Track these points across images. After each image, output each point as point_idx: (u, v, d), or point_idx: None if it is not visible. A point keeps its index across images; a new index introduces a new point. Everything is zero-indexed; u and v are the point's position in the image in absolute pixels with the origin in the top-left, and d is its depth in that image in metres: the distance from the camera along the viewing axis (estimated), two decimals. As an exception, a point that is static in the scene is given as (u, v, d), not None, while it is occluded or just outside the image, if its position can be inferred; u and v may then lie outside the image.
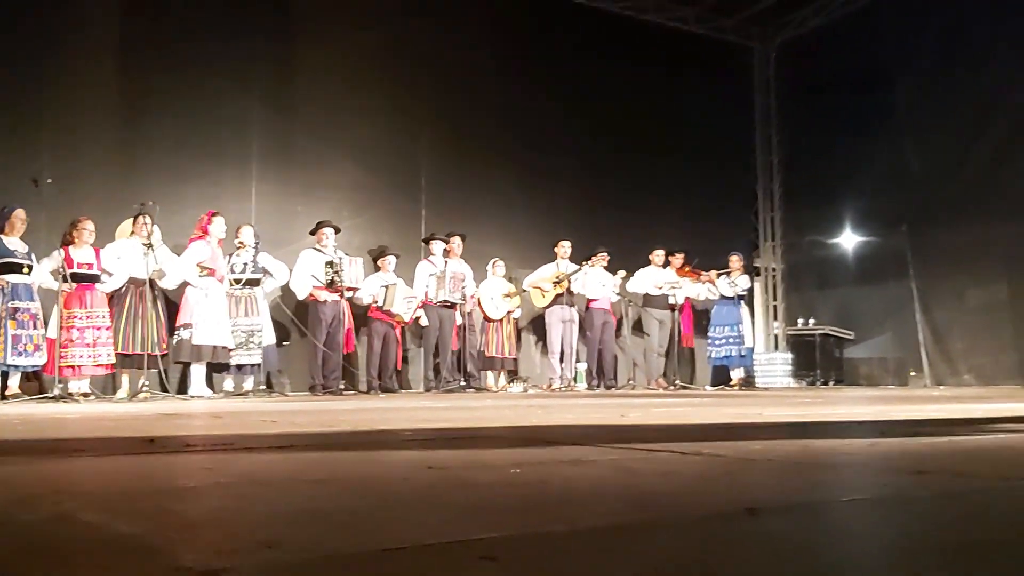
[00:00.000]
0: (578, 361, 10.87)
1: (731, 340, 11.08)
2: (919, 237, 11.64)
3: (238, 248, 8.59)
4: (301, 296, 9.09)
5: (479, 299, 10.25)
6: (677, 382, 10.89)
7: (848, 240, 12.81)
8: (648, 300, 11.15)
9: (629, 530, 1.30)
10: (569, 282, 10.46)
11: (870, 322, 12.47)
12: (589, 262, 10.53)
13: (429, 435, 3.28)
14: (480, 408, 5.58)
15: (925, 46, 11.34)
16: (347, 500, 1.63)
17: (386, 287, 9.48)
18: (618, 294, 10.78)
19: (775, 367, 12.00)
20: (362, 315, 9.63)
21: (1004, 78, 10.47)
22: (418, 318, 9.73)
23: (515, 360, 10.68)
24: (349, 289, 9.08)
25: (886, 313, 12.28)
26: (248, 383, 8.59)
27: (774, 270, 13.44)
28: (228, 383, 8.65)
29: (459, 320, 9.90)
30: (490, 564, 1.08)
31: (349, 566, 1.09)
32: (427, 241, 10.17)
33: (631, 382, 11.11)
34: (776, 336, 13.08)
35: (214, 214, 8.49)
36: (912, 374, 11.76)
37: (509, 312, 10.47)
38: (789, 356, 12.06)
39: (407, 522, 1.38)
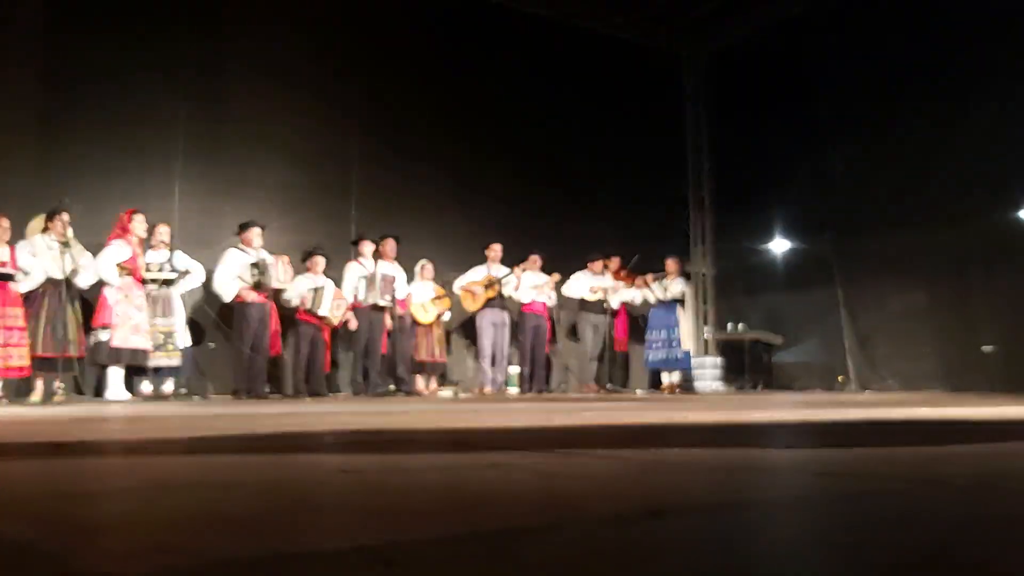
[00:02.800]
0: (511, 365, 10.89)
1: (665, 343, 11.23)
2: (844, 245, 11.90)
3: (155, 246, 8.37)
4: (228, 298, 8.89)
5: (409, 302, 10.19)
6: (609, 386, 10.99)
7: (777, 246, 13.05)
8: (584, 304, 11.22)
9: (532, 533, 1.31)
10: (500, 286, 10.47)
11: (798, 327, 12.72)
12: (521, 267, 10.57)
13: (349, 439, 3.26)
14: (407, 412, 5.55)
15: (850, 56, 11.61)
16: (255, 504, 1.61)
17: (315, 289, 9.37)
18: (551, 297, 10.82)
19: (705, 371, 12.15)
20: (289, 317, 9.50)
21: (925, 88, 10.74)
22: (347, 321, 9.63)
23: (445, 364, 10.64)
24: (275, 291, 8.95)
25: (813, 319, 12.53)
26: (168, 385, 8.39)
27: (704, 275, 13.64)
28: (146, 386, 8.39)
29: (389, 323, 9.83)
30: (386, 569, 1.08)
31: (242, 572, 1.07)
32: (357, 242, 10.08)
33: (563, 386, 11.16)
34: (706, 340, 13.27)
35: (134, 212, 8.27)
36: (840, 379, 12.02)
37: (439, 315, 10.43)
38: (719, 360, 12.24)
39: (312, 527, 1.37)
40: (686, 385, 11.48)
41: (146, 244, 8.34)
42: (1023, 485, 1.83)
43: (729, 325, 12.58)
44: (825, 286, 12.05)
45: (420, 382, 10.30)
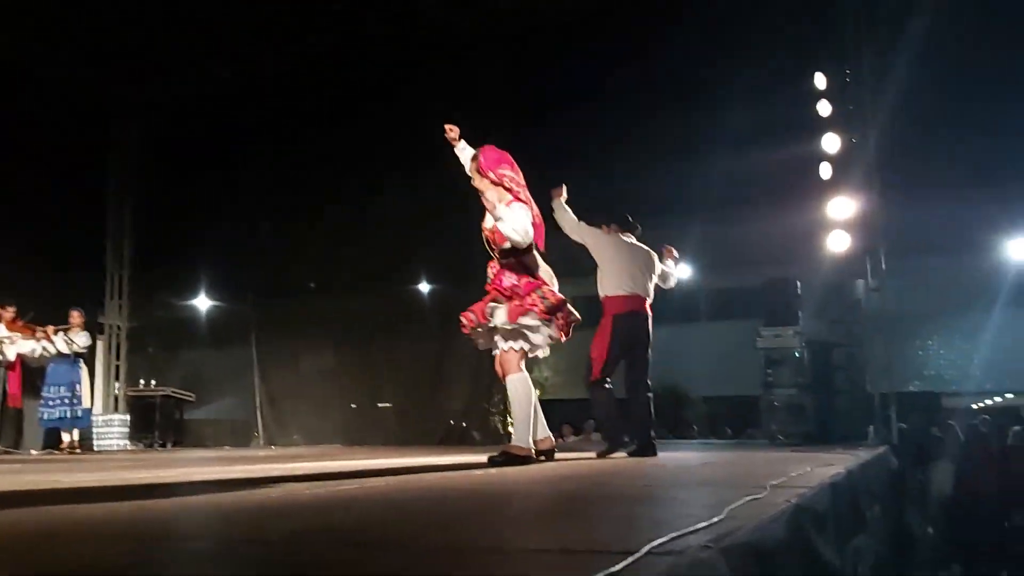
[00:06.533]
0: None
1: (65, 400, 10.46)
2: (263, 306, 12.32)
3: None
4: None
5: None
6: (-2, 447, 9.91)
7: (199, 304, 13.01)
8: (-27, 355, 10.01)
9: None
10: None
11: (215, 385, 12.78)
12: None
13: None
14: None
15: (291, 134, 11.96)
16: None
17: None
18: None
19: (112, 429, 11.59)
20: None
21: (343, 170, 11.55)
22: None
23: None
24: None
25: (230, 377, 12.69)
26: None
27: (119, 328, 13.03)
28: None
29: None
30: None
31: None
32: None
33: (-61, 448, 9.77)
34: (116, 397, 12.64)
35: None
36: (256, 435, 12.27)
37: None
38: (127, 418, 11.74)
39: None
40: (87, 444, 10.79)
41: None
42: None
43: (141, 381, 12.17)
44: (243, 346, 12.32)
45: None
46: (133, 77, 12.39)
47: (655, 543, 1.67)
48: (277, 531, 2.23)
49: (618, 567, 1.44)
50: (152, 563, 1.70)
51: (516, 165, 5.22)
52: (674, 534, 1.79)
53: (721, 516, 2.14)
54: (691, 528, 1.89)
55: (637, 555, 1.56)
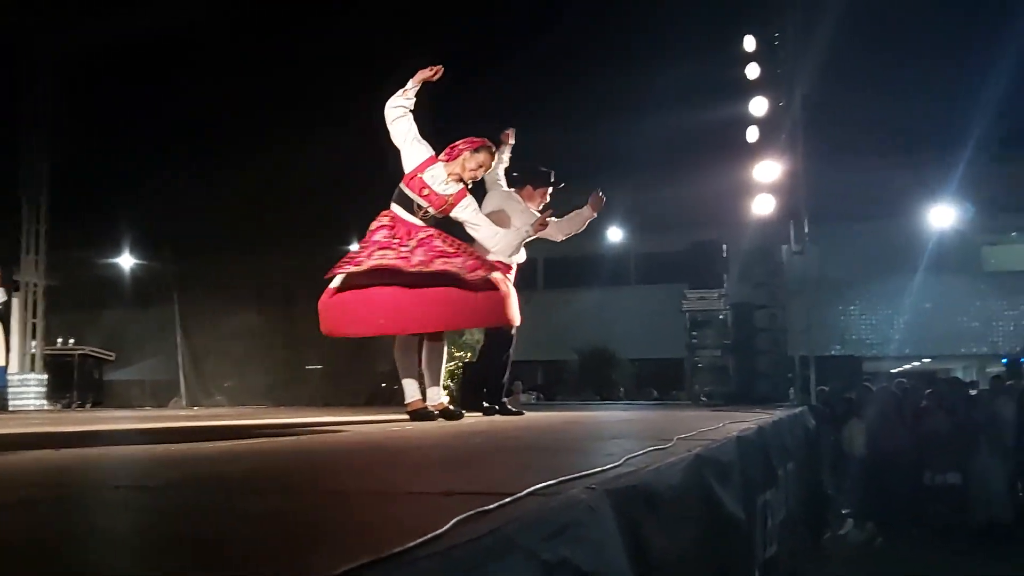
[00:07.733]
0: None
1: (-24, 358, 10.10)
2: (186, 264, 12.00)
3: None
4: None
5: None
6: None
7: (120, 262, 12.66)
8: None
9: None
10: None
11: (136, 345, 12.49)
12: None
13: None
14: None
15: (205, 81, 11.64)
16: None
17: None
18: None
19: (29, 388, 11.25)
20: None
21: (271, 122, 11.26)
22: None
23: None
24: None
25: (152, 337, 12.41)
26: None
27: (36, 286, 12.57)
28: None
29: None
30: None
31: None
32: None
33: None
34: (33, 356, 12.25)
35: None
36: (178, 396, 12.03)
37: None
38: (45, 377, 11.41)
39: None
40: (1, 403, 10.46)
41: None
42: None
43: (59, 340, 11.81)
44: (165, 305, 12.04)
45: None
46: (48, 23, 11.88)
47: (539, 486, 1.63)
48: (160, 479, 2.15)
49: (491, 506, 1.41)
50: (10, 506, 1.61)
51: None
52: (563, 478, 1.76)
53: (618, 463, 2.12)
54: (582, 473, 1.86)
55: (516, 496, 1.52)
